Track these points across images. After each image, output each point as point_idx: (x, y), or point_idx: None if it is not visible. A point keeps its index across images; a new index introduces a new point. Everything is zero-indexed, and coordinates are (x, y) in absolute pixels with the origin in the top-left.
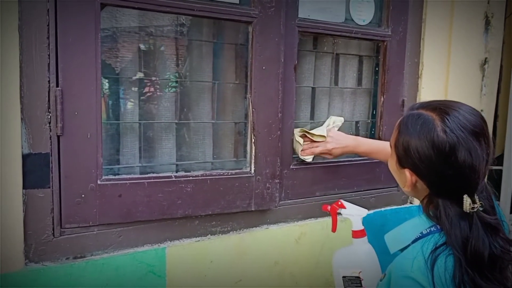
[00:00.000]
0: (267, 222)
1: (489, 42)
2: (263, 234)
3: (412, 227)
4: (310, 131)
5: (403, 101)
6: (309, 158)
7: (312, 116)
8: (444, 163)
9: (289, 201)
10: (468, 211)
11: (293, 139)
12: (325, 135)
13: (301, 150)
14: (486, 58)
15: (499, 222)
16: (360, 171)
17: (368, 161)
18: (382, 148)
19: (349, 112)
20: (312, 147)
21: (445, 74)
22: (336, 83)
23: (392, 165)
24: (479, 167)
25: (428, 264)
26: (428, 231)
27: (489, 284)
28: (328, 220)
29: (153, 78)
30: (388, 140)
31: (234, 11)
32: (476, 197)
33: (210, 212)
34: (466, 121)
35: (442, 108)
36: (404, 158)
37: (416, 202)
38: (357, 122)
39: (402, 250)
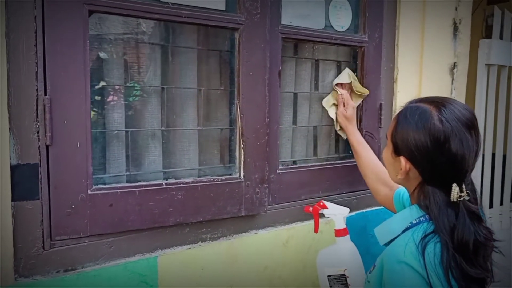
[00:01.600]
0: (256, 227)
1: (457, 47)
2: (253, 239)
3: (401, 219)
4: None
5: (380, 104)
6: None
7: (294, 121)
8: (438, 151)
9: (277, 205)
10: (455, 200)
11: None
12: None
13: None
14: (455, 62)
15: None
16: (342, 174)
17: (350, 164)
18: (364, 143)
19: (329, 116)
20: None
21: (418, 78)
22: (316, 88)
23: (387, 155)
24: (469, 157)
25: (419, 249)
26: (417, 221)
27: (473, 269)
28: (313, 223)
29: (136, 85)
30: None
31: (221, 17)
32: (463, 186)
33: (201, 219)
34: (460, 114)
35: (439, 101)
36: (401, 146)
37: None
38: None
39: (391, 240)
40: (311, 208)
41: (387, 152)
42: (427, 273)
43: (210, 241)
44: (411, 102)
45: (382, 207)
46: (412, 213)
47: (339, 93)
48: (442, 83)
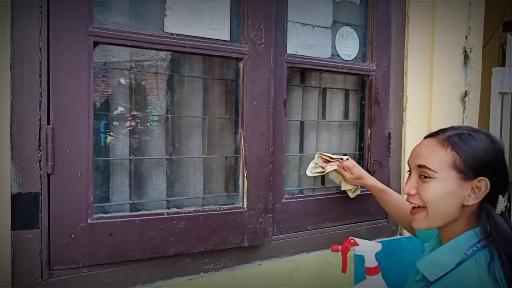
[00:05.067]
0: (260, 258)
1: (468, 76)
2: (256, 270)
3: (451, 252)
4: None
5: (389, 133)
6: (330, 168)
7: (301, 149)
8: (504, 163)
9: (282, 235)
10: (502, 211)
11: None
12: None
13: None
14: (466, 91)
15: None
16: (350, 204)
17: (358, 194)
18: (386, 188)
19: (337, 145)
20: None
21: (428, 106)
22: (323, 116)
23: (446, 186)
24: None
25: (491, 277)
26: (472, 251)
27: None
28: (320, 254)
29: (142, 114)
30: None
31: (225, 48)
32: (506, 197)
33: (202, 249)
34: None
35: (468, 129)
36: (475, 167)
37: (406, 234)
38: (345, 155)
39: (445, 275)
40: (339, 247)
41: (444, 183)
42: None
43: (212, 272)
44: (444, 131)
45: (391, 238)
46: (462, 244)
47: (328, 169)
48: (453, 112)
